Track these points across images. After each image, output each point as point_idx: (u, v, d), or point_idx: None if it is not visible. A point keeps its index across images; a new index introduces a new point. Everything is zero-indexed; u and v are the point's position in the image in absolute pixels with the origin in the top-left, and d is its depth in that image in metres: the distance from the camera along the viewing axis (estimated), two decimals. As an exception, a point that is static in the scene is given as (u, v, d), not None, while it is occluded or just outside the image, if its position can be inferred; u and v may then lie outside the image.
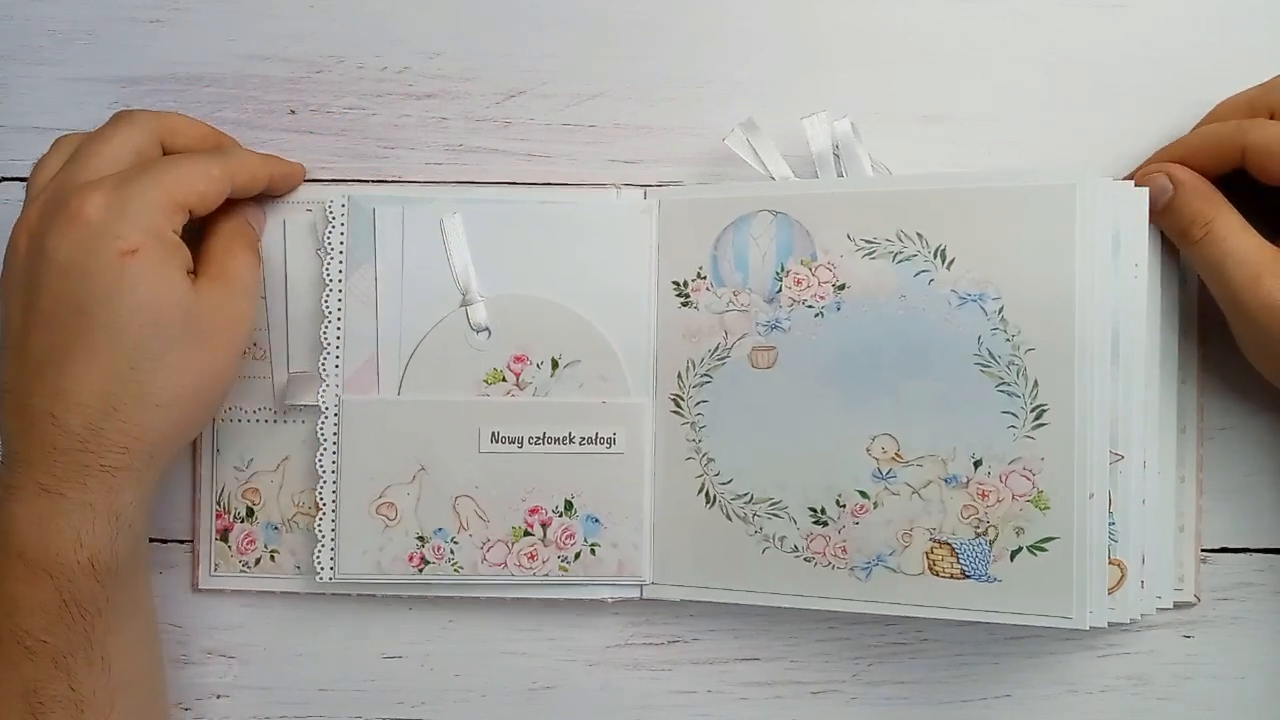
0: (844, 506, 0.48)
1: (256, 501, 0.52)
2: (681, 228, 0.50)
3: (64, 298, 0.43)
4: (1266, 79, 0.48)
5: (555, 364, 0.50)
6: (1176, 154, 0.48)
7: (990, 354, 0.46)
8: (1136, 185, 0.49)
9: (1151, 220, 0.47)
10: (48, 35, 0.53)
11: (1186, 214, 0.46)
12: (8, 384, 0.44)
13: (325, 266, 0.51)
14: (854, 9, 0.52)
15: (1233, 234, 0.45)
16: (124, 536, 0.44)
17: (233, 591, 0.52)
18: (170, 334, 0.44)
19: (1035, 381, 0.46)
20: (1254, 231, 0.45)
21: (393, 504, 0.50)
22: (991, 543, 0.46)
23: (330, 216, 0.51)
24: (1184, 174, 0.47)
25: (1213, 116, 0.49)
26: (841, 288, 0.48)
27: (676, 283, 0.50)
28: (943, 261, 0.47)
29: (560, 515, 0.50)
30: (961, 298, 0.47)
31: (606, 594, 0.51)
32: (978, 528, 0.46)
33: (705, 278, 0.50)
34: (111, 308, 0.43)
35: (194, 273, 0.46)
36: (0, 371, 0.44)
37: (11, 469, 0.43)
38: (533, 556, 0.50)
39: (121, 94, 0.53)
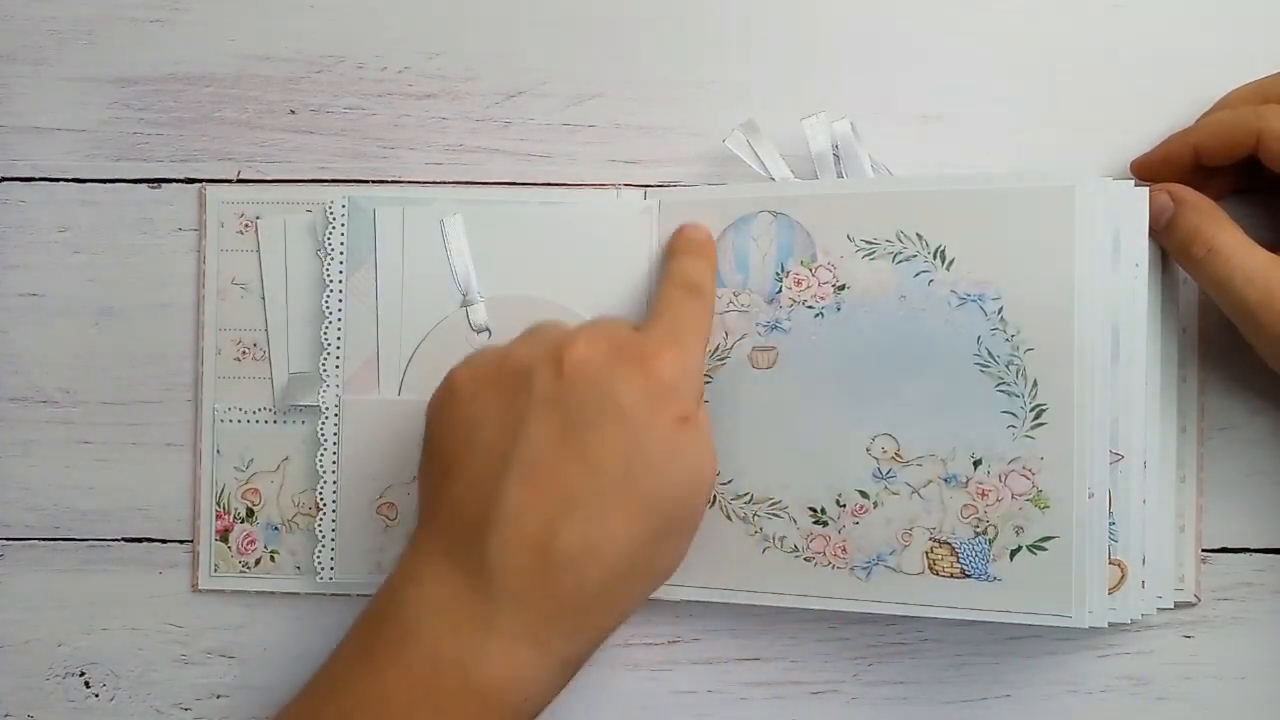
0: (844, 506, 0.48)
1: (257, 502, 0.52)
2: (682, 228, 0.50)
3: (616, 446, 0.40)
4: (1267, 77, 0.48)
5: (555, 364, 0.50)
6: (1189, 139, 0.48)
7: (990, 354, 0.46)
8: (1138, 174, 0.49)
9: (1152, 237, 0.47)
10: (48, 35, 0.53)
11: (1187, 231, 0.46)
12: (516, 511, 0.40)
13: (325, 267, 0.51)
14: (854, 9, 0.52)
15: (1237, 251, 0.45)
16: (559, 690, 0.42)
17: (233, 592, 0.52)
18: (694, 509, 0.43)
19: (1034, 381, 0.46)
20: (1257, 246, 0.45)
21: (393, 504, 0.50)
22: (991, 542, 0.46)
23: (330, 217, 0.51)
24: (1184, 192, 0.47)
25: (1222, 105, 0.49)
26: (842, 288, 0.48)
27: (677, 283, 0.50)
28: (942, 262, 0.47)
29: (560, 515, 0.50)
30: (961, 298, 0.47)
31: (607, 594, 0.51)
32: (977, 527, 0.46)
33: (705, 278, 0.50)
34: (659, 472, 0.41)
35: None
36: (507, 491, 0.41)
37: (501, 606, 0.40)
38: (533, 557, 0.50)
39: (121, 94, 0.53)
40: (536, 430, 0.41)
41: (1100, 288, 0.46)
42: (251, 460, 0.52)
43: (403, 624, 0.41)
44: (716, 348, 0.49)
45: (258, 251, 0.52)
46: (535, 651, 0.40)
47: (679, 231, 0.49)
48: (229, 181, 0.53)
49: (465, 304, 0.51)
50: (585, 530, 0.40)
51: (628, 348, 0.42)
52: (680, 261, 0.48)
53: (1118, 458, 0.46)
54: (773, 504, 0.48)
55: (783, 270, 0.49)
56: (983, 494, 0.46)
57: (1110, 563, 0.46)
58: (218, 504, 0.52)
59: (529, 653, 0.40)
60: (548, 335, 0.44)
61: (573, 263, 0.51)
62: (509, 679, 0.39)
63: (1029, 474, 0.46)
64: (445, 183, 0.52)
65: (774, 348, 0.49)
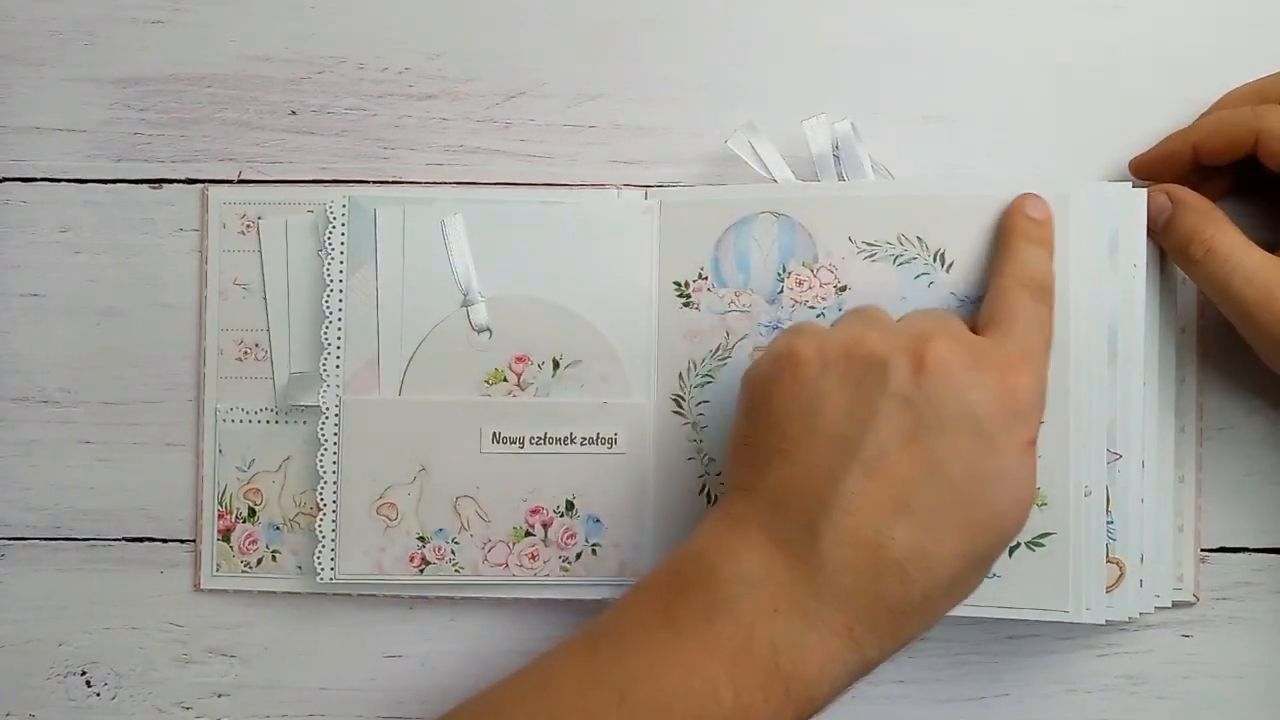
0: (845, 506, 0.48)
1: (258, 502, 0.52)
2: (683, 228, 0.50)
3: (966, 459, 0.39)
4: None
5: (556, 364, 0.50)
6: (1188, 139, 0.48)
7: (990, 354, 0.46)
8: (1137, 173, 0.50)
9: (1150, 237, 0.47)
10: (48, 35, 0.53)
11: (1185, 232, 0.46)
12: (854, 504, 0.39)
13: (326, 267, 0.51)
14: (854, 10, 0.52)
15: (1235, 251, 0.45)
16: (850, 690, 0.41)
17: (234, 591, 0.52)
18: (1014, 535, 0.41)
19: (1034, 381, 0.46)
20: (1255, 247, 0.45)
21: (394, 504, 0.50)
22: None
23: (331, 217, 0.51)
24: (1183, 192, 0.47)
25: (1221, 105, 0.49)
26: (843, 289, 0.48)
27: (678, 283, 0.50)
28: (942, 264, 0.47)
29: (561, 515, 0.50)
30: (960, 300, 0.47)
31: (608, 594, 0.51)
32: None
33: (706, 278, 0.50)
34: (999, 491, 0.39)
35: None
36: (846, 482, 0.39)
37: (823, 598, 0.38)
38: (534, 557, 0.50)
39: (122, 94, 0.53)
40: (887, 426, 0.39)
41: (1097, 290, 0.46)
42: (253, 460, 0.52)
43: (712, 593, 0.39)
44: (718, 347, 0.49)
45: (259, 252, 0.52)
46: (848, 649, 0.39)
47: (1018, 206, 0.47)
48: (230, 182, 0.53)
49: (465, 304, 0.51)
50: (921, 539, 0.39)
51: (987, 357, 0.40)
52: (1024, 252, 0.45)
53: (1116, 457, 0.47)
54: (774, 504, 0.48)
55: (784, 271, 0.49)
56: (982, 493, 0.47)
57: (1109, 561, 0.47)
58: (219, 504, 0.52)
59: (842, 649, 0.38)
60: (896, 326, 0.42)
61: (573, 263, 0.51)
62: (818, 672, 0.38)
63: (1028, 473, 0.46)
64: (445, 183, 0.52)
65: (775, 348, 0.49)
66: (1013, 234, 0.46)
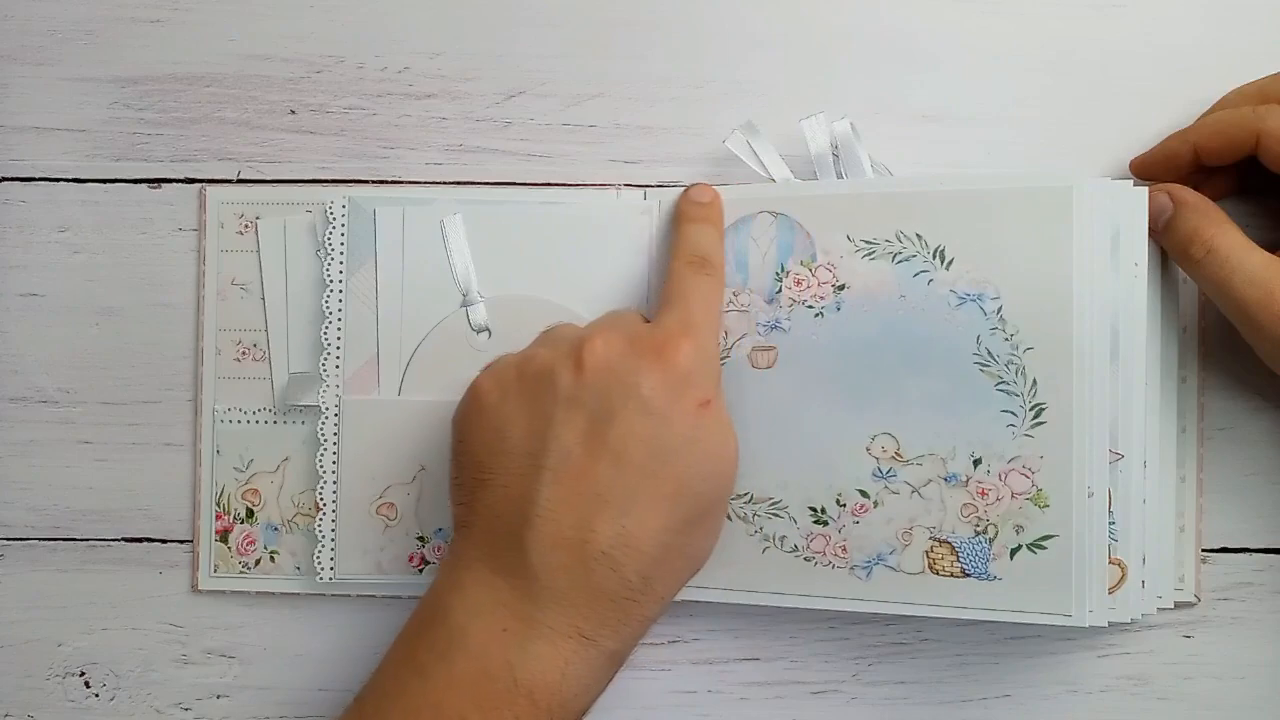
0: (844, 506, 0.48)
1: (256, 502, 0.52)
2: (682, 228, 0.50)
3: (642, 438, 0.41)
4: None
5: (555, 364, 0.50)
6: (1189, 139, 0.48)
7: (989, 353, 0.46)
8: (1138, 173, 0.49)
9: (1152, 237, 0.47)
10: (48, 35, 0.53)
11: (1186, 232, 0.46)
12: (551, 510, 0.41)
13: (326, 267, 0.51)
14: (854, 9, 0.52)
15: (1236, 252, 0.45)
16: (608, 683, 0.43)
17: (233, 592, 0.52)
18: (722, 491, 0.44)
19: (1034, 380, 0.46)
20: (1256, 247, 0.45)
21: (393, 504, 0.50)
22: (991, 541, 0.46)
23: (330, 217, 0.51)
24: (1184, 192, 0.47)
25: (1222, 105, 0.49)
26: (841, 288, 0.48)
27: (676, 283, 0.50)
28: (942, 262, 0.47)
29: (560, 515, 0.50)
30: (960, 298, 0.47)
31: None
32: (977, 526, 0.46)
33: (705, 278, 0.50)
34: (685, 458, 0.42)
35: None
36: (540, 492, 0.41)
37: (543, 606, 0.40)
38: (533, 556, 0.50)
39: (121, 94, 0.53)
40: (563, 430, 0.42)
41: (1100, 287, 0.46)
42: (251, 460, 0.52)
43: (448, 630, 0.41)
44: (716, 347, 0.49)
45: (258, 252, 0.52)
46: (581, 646, 0.40)
47: (685, 194, 0.50)
48: (229, 182, 0.53)
49: (465, 304, 0.51)
50: (619, 524, 0.41)
51: (644, 340, 0.43)
52: (687, 232, 0.48)
53: (1117, 457, 0.46)
54: (773, 504, 0.48)
55: (782, 270, 0.49)
56: (982, 493, 0.46)
57: (1110, 562, 0.46)
58: (217, 504, 0.52)
59: (575, 648, 0.40)
60: (565, 335, 0.45)
61: (573, 263, 0.51)
62: (557, 676, 0.40)
63: (1029, 473, 0.46)
64: (445, 183, 0.52)
65: (774, 347, 0.49)
66: (679, 219, 0.49)
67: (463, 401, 0.45)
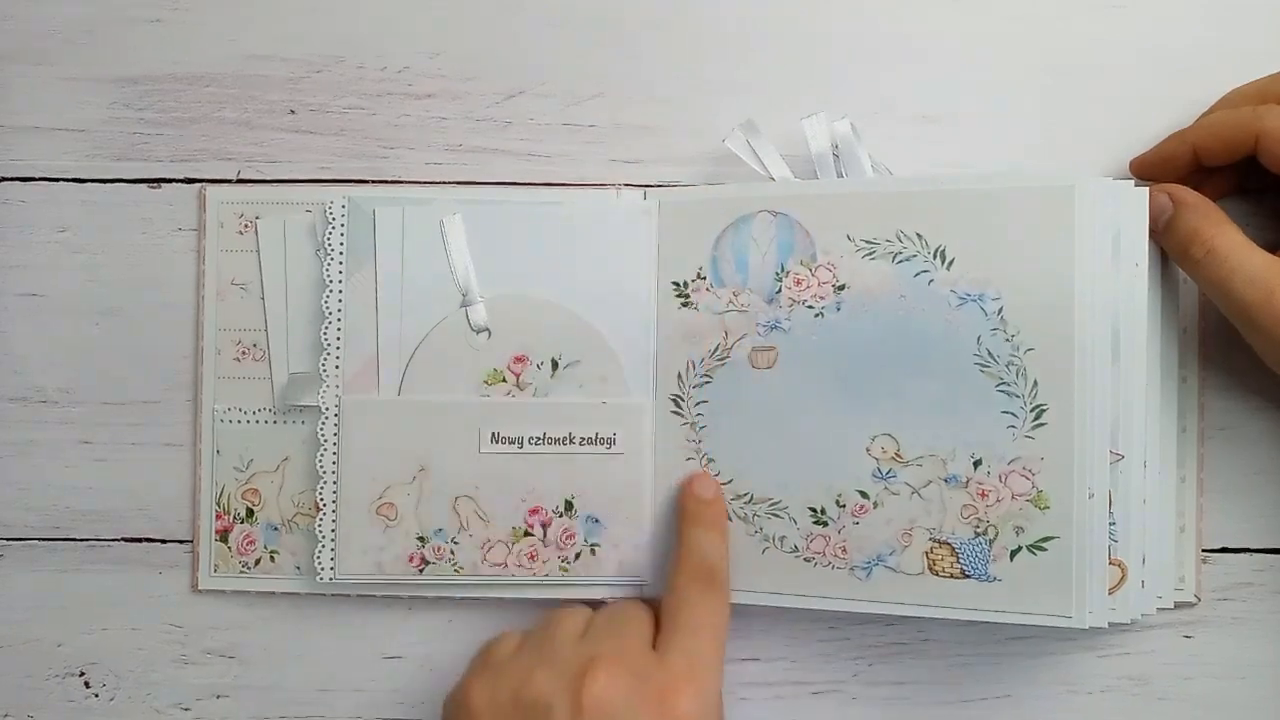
0: (844, 506, 0.48)
1: (256, 502, 0.52)
2: (681, 228, 0.50)
3: None
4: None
5: (555, 364, 0.50)
6: (1188, 139, 0.48)
7: (990, 354, 0.46)
8: (1138, 173, 0.49)
9: (1152, 238, 0.47)
10: (48, 35, 0.53)
11: (1186, 233, 0.46)
12: None
13: (325, 267, 0.51)
14: (853, 9, 0.52)
15: (1236, 252, 0.45)
16: None
17: (233, 592, 0.52)
18: None
19: (1035, 381, 0.46)
20: (1256, 247, 0.45)
21: (393, 504, 0.50)
22: (991, 542, 0.46)
23: (330, 218, 0.51)
24: (1184, 193, 0.47)
25: (1222, 105, 0.49)
26: (842, 288, 0.48)
27: (676, 283, 0.50)
28: (942, 262, 0.47)
29: (560, 515, 0.50)
30: (961, 298, 0.47)
31: (607, 594, 0.51)
32: (977, 527, 0.46)
33: (705, 278, 0.50)
34: None
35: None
36: None
37: None
38: (533, 557, 0.50)
39: (121, 94, 0.53)
40: None
41: (1100, 288, 0.46)
42: (251, 460, 0.52)
43: None
44: (716, 347, 0.49)
45: (257, 252, 0.52)
46: None
47: (687, 487, 0.49)
48: (229, 181, 0.53)
49: (465, 304, 0.51)
50: None
51: (647, 684, 0.42)
52: (692, 538, 0.47)
53: (1118, 458, 0.46)
54: (773, 504, 0.48)
55: (782, 270, 0.49)
56: (983, 494, 0.46)
57: (1110, 563, 0.46)
58: (217, 504, 0.52)
59: None
60: (567, 657, 0.44)
61: (573, 263, 0.51)
62: None
63: (1029, 474, 0.46)
64: (445, 183, 0.52)
65: (774, 348, 0.49)
66: (683, 519, 0.48)
67: (453, 703, 0.45)
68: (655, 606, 0.47)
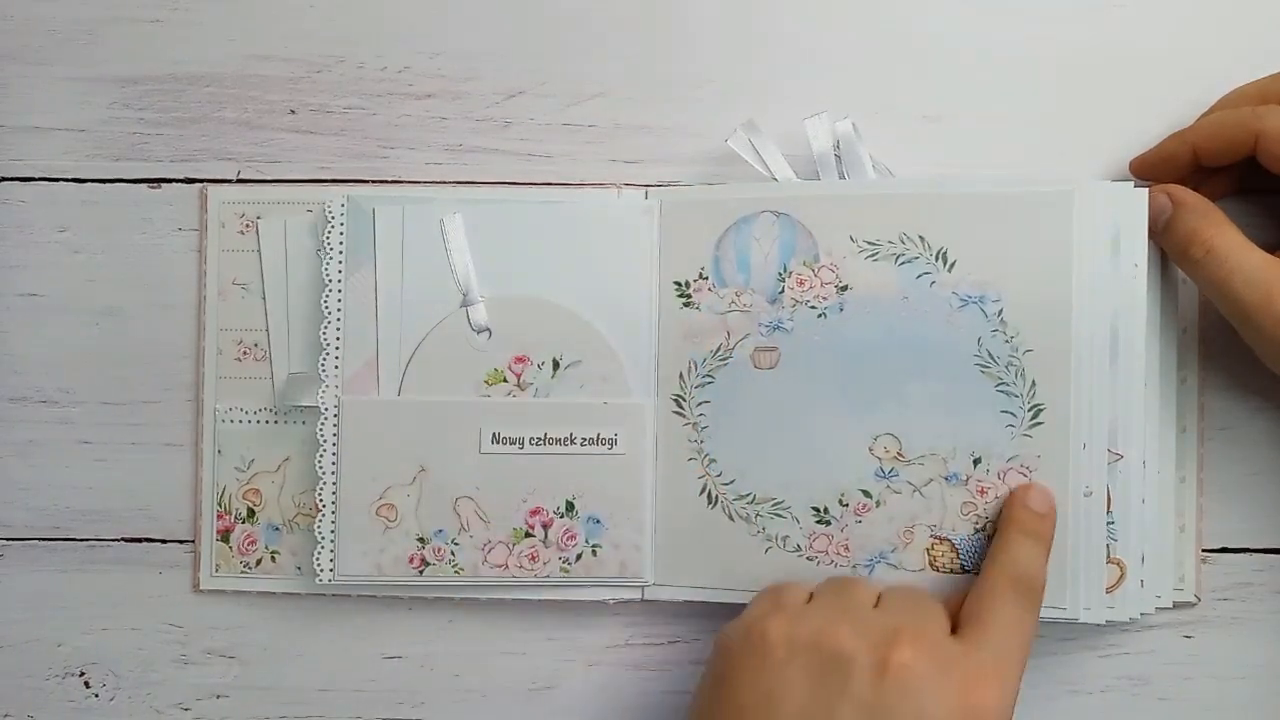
0: (847, 505, 0.48)
1: (257, 502, 0.52)
2: (683, 228, 0.50)
3: None
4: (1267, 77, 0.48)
5: (556, 365, 0.50)
6: (1188, 139, 0.48)
7: (990, 355, 0.46)
8: (1137, 174, 0.49)
9: (1151, 238, 0.47)
10: (48, 35, 0.53)
11: (1185, 233, 0.46)
12: None
13: (325, 267, 0.51)
14: (855, 9, 0.52)
15: (1235, 253, 0.45)
16: None
17: (233, 592, 0.52)
18: None
19: (1032, 382, 0.46)
20: (1255, 248, 0.45)
21: (393, 505, 0.50)
22: (990, 538, 0.47)
23: (330, 217, 0.51)
24: (1183, 193, 0.47)
25: (1222, 105, 0.49)
26: (844, 289, 0.48)
27: (678, 283, 0.50)
28: (944, 264, 0.47)
29: (561, 516, 0.50)
30: (962, 299, 0.47)
31: (608, 595, 0.51)
32: (977, 524, 0.47)
33: (707, 278, 0.50)
34: None
35: None
36: None
37: None
38: (534, 557, 0.50)
39: (121, 94, 0.53)
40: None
41: (1099, 289, 0.46)
42: (252, 460, 0.52)
43: None
44: (718, 347, 0.49)
45: (258, 251, 0.52)
46: None
47: (1019, 496, 0.47)
48: (229, 181, 0.53)
49: (465, 304, 0.51)
50: None
51: (953, 664, 0.41)
52: (1018, 546, 0.45)
53: (1117, 457, 0.47)
54: (775, 504, 0.49)
55: (785, 270, 0.49)
56: (982, 491, 0.47)
57: (1109, 561, 0.47)
58: (218, 504, 0.52)
59: None
60: (869, 621, 0.42)
61: (573, 263, 0.51)
62: None
63: (1027, 471, 0.46)
64: (445, 183, 0.52)
65: (776, 348, 0.49)
66: (1009, 525, 0.46)
67: (744, 636, 0.43)
68: (948, 601, 0.45)
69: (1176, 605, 0.50)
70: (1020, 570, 0.44)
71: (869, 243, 0.48)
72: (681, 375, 0.50)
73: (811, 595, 0.45)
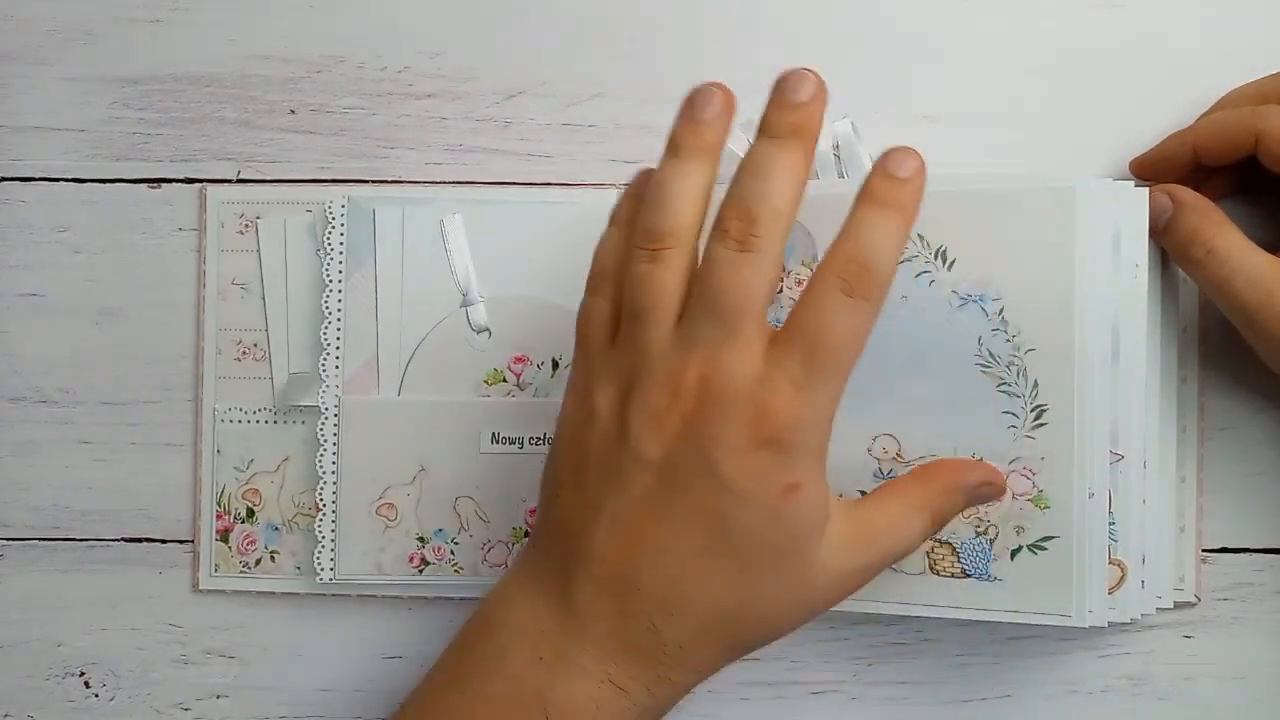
0: (845, 507, 0.48)
1: (257, 502, 0.52)
2: (682, 228, 0.50)
3: (708, 514, 0.38)
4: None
5: (556, 365, 0.50)
6: (1188, 139, 0.47)
7: (991, 354, 0.46)
8: (1138, 173, 0.49)
9: (1152, 238, 0.47)
10: (48, 35, 0.53)
11: (1186, 233, 0.46)
12: (603, 553, 0.38)
13: (325, 267, 0.51)
14: (854, 9, 0.52)
15: (1236, 253, 0.45)
16: None
17: (233, 592, 0.52)
18: (791, 580, 0.39)
19: (1035, 382, 0.46)
20: (1257, 248, 0.45)
21: (393, 505, 0.50)
22: (992, 542, 0.46)
23: (330, 217, 0.51)
24: (1184, 193, 0.47)
25: (1222, 105, 0.49)
26: (843, 288, 0.48)
27: (677, 283, 0.50)
28: (944, 262, 0.47)
29: (561, 516, 0.50)
30: (962, 298, 0.47)
31: (607, 594, 0.51)
32: (978, 527, 0.46)
33: (706, 278, 0.49)
34: (755, 540, 0.38)
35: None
36: (595, 533, 0.39)
37: (582, 645, 0.39)
38: (533, 557, 0.50)
39: (121, 94, 0.53)
40: (631, 484, 0.38)
41: (1100, 288, 0.46)
42: (252, 460, 0.52)
43: (490, 647, 0.40)
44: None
45: (258, 252, 0.52)
46: (614, 695, 0.38)
47: (882, 160, 0.40)
48: (229, 181, 0.53)
49: (465, 304, 0.51)
50: (665, 589, 0.38)
51: (745, 394, 0.37)
52: (861, 221, 0.39)
53: (1118, 458, 0.46)
54: (774, 504, 0.48)
55: (784, 270, 0.49)
56: (983, 494, 0.47)
57: (1110, 563, 0.46)
58: (218, 504, 0.52)
59: (608, 695, 0.38)
60: (668, 352, 0.39)
61: (573, 263, 0.50)
62: (586, 717, 0.38)
63: (1029, 474, 0.46)
64: (445, 183, 0.52)
65: (775, 348, 0.48)
66: (861, 195, 0.39)
67: (577, 405, 0.41)
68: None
69: (1177, 605, 0.50)
70: (855, 251, 0.38)
71: (868, 242, 0.48)
72: (681, 375, 0.50)
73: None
